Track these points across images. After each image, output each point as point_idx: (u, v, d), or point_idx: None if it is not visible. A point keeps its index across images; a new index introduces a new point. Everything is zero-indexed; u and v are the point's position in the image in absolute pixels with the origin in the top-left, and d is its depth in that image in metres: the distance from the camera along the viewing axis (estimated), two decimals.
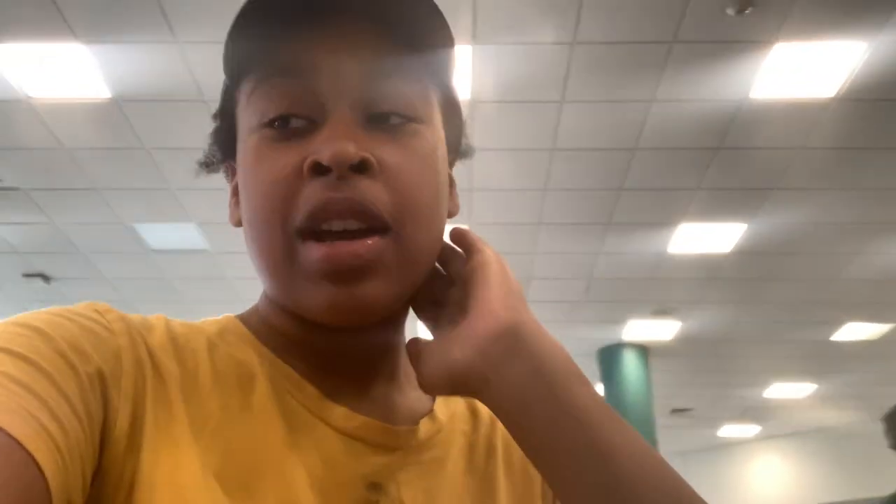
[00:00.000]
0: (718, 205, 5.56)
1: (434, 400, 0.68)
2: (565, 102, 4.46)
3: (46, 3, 3.69)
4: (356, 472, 0.57)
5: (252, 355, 0.60)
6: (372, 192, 0.55)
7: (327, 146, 0.54)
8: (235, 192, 0.64)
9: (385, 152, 0.56)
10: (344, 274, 0.55)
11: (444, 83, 0.64)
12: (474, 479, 0.65)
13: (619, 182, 5.28)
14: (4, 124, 4.59)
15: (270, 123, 0.57)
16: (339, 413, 0.59)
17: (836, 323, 7.84)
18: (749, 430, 12.08)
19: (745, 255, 6.29)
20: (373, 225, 0.55)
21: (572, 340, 8.27)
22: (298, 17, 0.57)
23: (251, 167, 0.58)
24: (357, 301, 0.55)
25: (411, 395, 0.66)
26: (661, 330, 7.96)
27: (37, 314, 0.50)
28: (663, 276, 6.75)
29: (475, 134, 4.73)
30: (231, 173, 0.66)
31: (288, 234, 0.56)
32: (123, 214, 5.65)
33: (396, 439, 0.61)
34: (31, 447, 0.41)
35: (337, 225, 0.55)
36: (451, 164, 0.68)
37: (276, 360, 0.60)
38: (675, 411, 10.79)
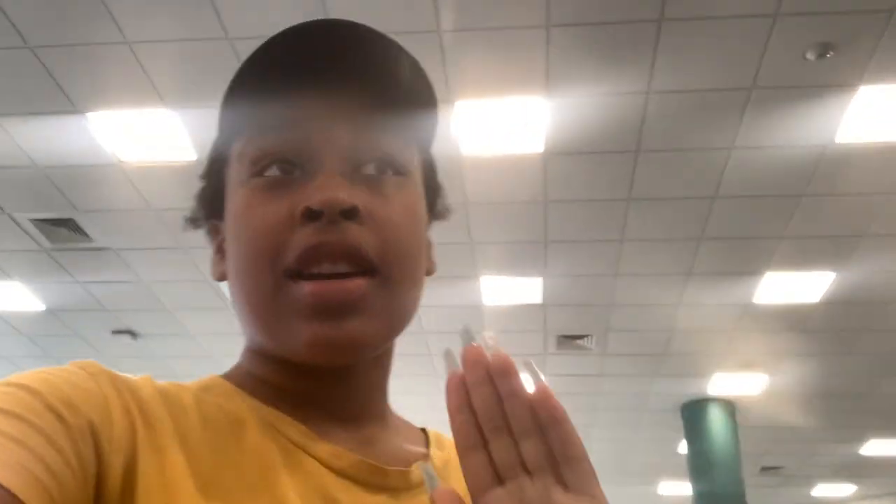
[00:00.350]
0: (805, 253, 5.38)
1: (428, 445, 0.69)
2: (641, 151, 4.42)
3: (137, 72, 3.88)
4: None
5: (239, 404, 0.60)
6: (361, 236, 0.58)
7: (318, 193, 0.57)
8: (219, 250, 0.67)
9: (371, 202, 0.59)
10: (332, 310, 0.56)
11: (425, 144, 0.68)
12: None
13: (699, 231, 5.16)
14: (97, 188, 4.82)
15: (261, 172, 0.60)
16: (329, 451, 0.59)
17: None
18: (845, 489, 11.45)
19: (836, 305, 6.04)
20: (361, 268, 0.58)
21: (654, 395, 8.05)
22: (290, 80, 0.61)
23: (242, 215, 0.61)
24: (344, 337, 0.57)
25: (403, 441, 0.67)
26: (748, 384, 7.66)
27: (25, 374, 0.51)
28: (749, 328, 6.53)
29: (549, 185, 4.73)
30: (214, 233, 0.69)
31: (276, 275, 0.58)
32: (207, 272, 5.78)
33: (388, 480, 0.60)
34: (27, 499, 0.42)
35: (327, 268, 0.57)
36: (427, 225, 0.69)
37: (263, 407, 0.61)
38: (765, 469, 10.33)
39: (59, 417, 0.48)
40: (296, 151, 0.60)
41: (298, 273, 0.57)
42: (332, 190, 0.57)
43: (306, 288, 0.56)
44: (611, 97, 4.04)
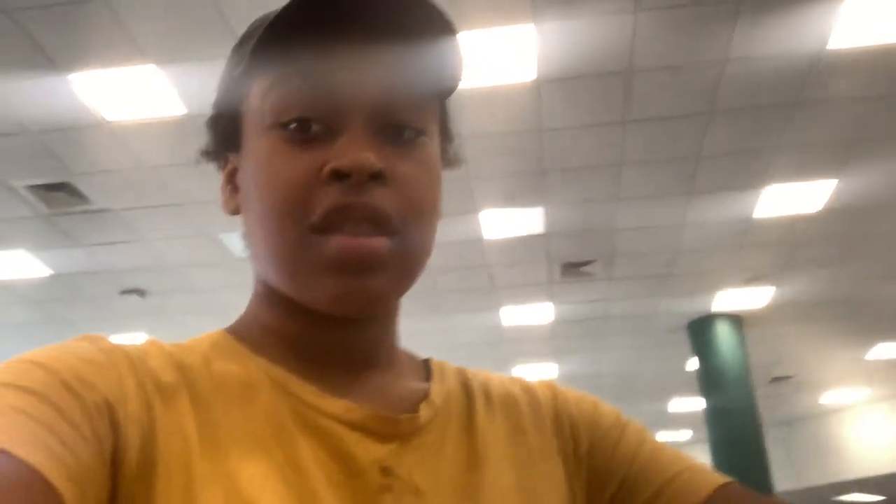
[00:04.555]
0: (805, 162, 5.35)
1: (431, 382, 0.70)
2: (634, 71, 4.36)
3: (117, 30, 3.81)
4: (366, 459, 0.59)
5: (248, 365, 0.62)
6: (385, 199, 0.59)
7: (347, 154, 0.58)
8: (230, 180, 0.68)
9: (395, 164, 0.60)
10: (357, 267, 0.58)
11: (444, 96, 0.68)
12: (472, 454, 0.66)
13: (697, 148, 5.13)
14: (88, 149, 4.78)
15: (286, 125, 0.60)
16: (341, 406, 0.61)
17: None
18: (855, 393, 11.64)
19: (838, 213, 6.04)
20: (383, 230, 0.59)
21: (661, 315, 8.12)
22: (320, 29, 0.60)
23: (265, 165, 0.61)
24: (367, 293, 0.59)
25: (408, 381, 0.69)
26: (754, 298, 7.72)
27: (37, 351, 0.52)
28: (753, 242, 6.54)
29: (544, 113, 4.68)
30: (223, 161, 0.69)
31: (301, 229, 0.59)
32: (207, 226, 5.82)
33: (399, 427, 0.62)
34: (50, 476, 0.43)
35: (350, 228, 0.58)
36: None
37: (271, 366, 0.62)
38: (775, 379, 10.48)
39: (75, 394, 0.49)
40: (320, 105, 0.60)
41: (322, 230, 0.58)
42: (360, 151, 0.57)
43: (334, 242, 0.58)
44: (599, 17, 3.97)
